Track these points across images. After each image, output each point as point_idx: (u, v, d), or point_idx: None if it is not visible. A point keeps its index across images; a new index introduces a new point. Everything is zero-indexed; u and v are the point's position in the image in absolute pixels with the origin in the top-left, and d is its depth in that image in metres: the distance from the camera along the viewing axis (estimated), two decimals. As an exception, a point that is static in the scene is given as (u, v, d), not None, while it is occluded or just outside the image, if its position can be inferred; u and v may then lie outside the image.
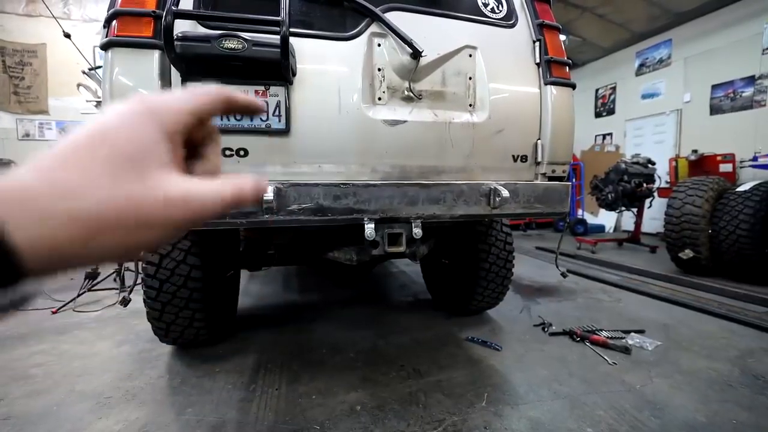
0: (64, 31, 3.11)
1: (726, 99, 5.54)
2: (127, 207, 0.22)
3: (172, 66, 1.24)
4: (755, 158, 4.60)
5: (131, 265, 3.49)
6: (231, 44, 1.19)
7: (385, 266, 4.16)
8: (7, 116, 5.59)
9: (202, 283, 1.82)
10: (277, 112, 1.35)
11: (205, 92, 0.28)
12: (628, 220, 6.49)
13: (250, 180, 0.27)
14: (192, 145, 0.29)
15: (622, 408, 1.54)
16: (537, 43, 1.72)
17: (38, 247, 0.20)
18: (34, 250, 0.20)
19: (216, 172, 0.30)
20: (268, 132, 1.36)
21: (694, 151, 5.27)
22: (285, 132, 1.37)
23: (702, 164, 5.07)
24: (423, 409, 1.54)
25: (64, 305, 2.81)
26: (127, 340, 2.24)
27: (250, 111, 0.32)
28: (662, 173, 5.31)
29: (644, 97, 6.94)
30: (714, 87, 5.69)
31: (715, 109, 5.71)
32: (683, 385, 1.71)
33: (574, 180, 6.66)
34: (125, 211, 0.22)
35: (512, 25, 1.73)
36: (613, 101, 7.65)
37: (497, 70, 1.66)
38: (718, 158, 5.03)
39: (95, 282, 3.19)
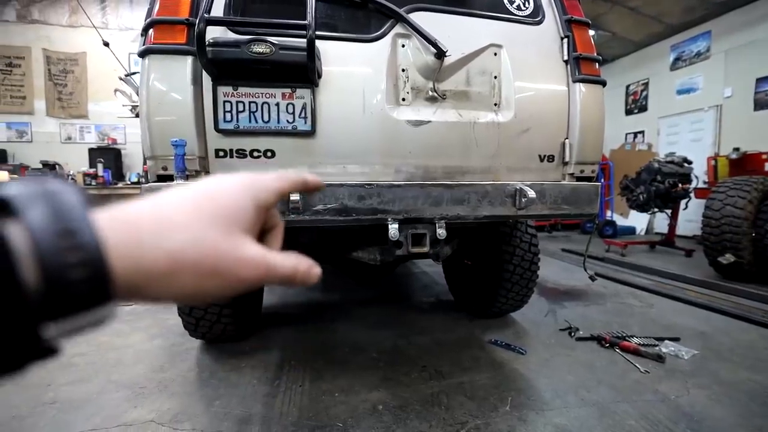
0: (103, 40, 3.28)
1: (772, 93, 5.20)
2: (209, 254, 0.25)
3: (203, 71, 1.29)
4: (805, 157, 4.29)
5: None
6: (259, 48, 1.22)
7: (408, 266, 4.15)
8: (51, 121, 5.96)
9: (229, 281, 1.88)
10: (303, 114, 1.38)
11: (289, 177, 0.33)
12: (661, 222, 6.20)
13: (308, 260, 0.31)
14: (262, 229, 0.33)
15: (655, 418, 1.48)
16: (565, 40, 1.67)
17: (129, 273, 0.22)
18: (125, 274, 0.22)
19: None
20: (295, 133, 1.39)
21: (736, 149, 4.97)
22: (311, 133, 1.40)
23: (744, 163, 4.77)
24: (445, 411, 1.53)
25: (102, 299, 2.96)
26: (160, 334, 2.34)
27: (317, 188, 0.37)
28: (699, 173, 5.04)
29: (680, 92, 6.61)
30: (759, 80, 5.35)
31: (760, 104, 5.37)
32: (723, 397, 1.62)
33: (602, 180, 6.43)
34: (206, 258, 0.25)
35: (539, 22, 1.69)
36: (646, 98, 7.33)
37: (523, 69, 1.62)
38: (764, 156, 4.72)
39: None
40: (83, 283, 0.20)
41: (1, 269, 0.18)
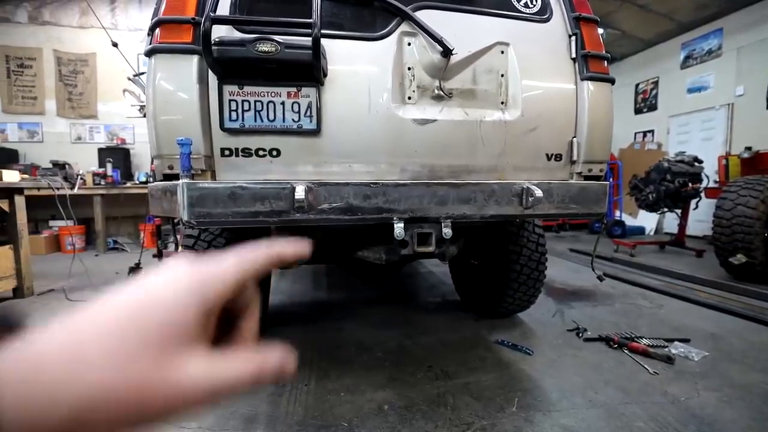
0: (112, 41, 3.31)
1: (785, 91, 5.09)
2: (131, 394, 0.20)
3: (209, 70, 1.30)
4: (819, 155, 4.20)
5: (170, 260, 3.67)
6: (265, 47, 1.22)
7: (414, 266, 4.14)
8: (62, 121, 6.04)
9: (235, 279, 1.88)
10: (308, 113, 1.38)
11: (254, 258, 0.26)
12: (671, 222, 6.12)
13: (277, 355, 0.25)
14: (230, 310, 0.27)
15: (664, 420, 1.46)
16: (573, 38, 1.65)
17: (23, 430, 0.19)
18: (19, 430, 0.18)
19: (249, 345, 0.28)
20: (300, 132, 1.39)
21: (748, 149, 4.87)
22: (316, 132, 1.39)
23: (757, 162, 4.68)
24: (451, 411, 1.52)
25: (110, 297, 3.00)
26: (167, 332, 2.35)
27: (299, 257, 0.29)
28: (710, 172, 4.97)
29: (690, 91, 6.51)
30: (771, 79, 5.25)
31: (772, 103, 5.26)
32: (734, 399, 1.59)
33: (611, 179, 6.36)
34: (127, 400, 0.20)
35: (547, 20, 1.67)
36: (655, 96, 7.23)
37: (531, 67, 1.61)
38: (776, 156, 4.62)
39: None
40: None
41: None
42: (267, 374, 0.24)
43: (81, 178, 5.29)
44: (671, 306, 2.84)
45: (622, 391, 1.66)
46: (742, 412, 1.50)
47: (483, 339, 2.23)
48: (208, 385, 0.22)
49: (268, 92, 1.35)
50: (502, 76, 1.59)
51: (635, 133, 7.62)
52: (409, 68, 1.50)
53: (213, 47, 1.21)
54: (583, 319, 2.51)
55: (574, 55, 1.65)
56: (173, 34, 1.30)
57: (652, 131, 7.32)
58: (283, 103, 1.36)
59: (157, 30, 1.30)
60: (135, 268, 3.40)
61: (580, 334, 2.24)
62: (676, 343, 2.10)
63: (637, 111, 7.62)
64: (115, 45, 3.29)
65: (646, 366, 1.86)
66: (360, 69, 1.45)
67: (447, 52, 1.45)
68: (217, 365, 0.23)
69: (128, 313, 0.22)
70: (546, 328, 2.40)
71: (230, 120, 1.34)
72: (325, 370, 1.86)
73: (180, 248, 1.99)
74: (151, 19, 1.34)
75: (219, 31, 1.28)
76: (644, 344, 2.04)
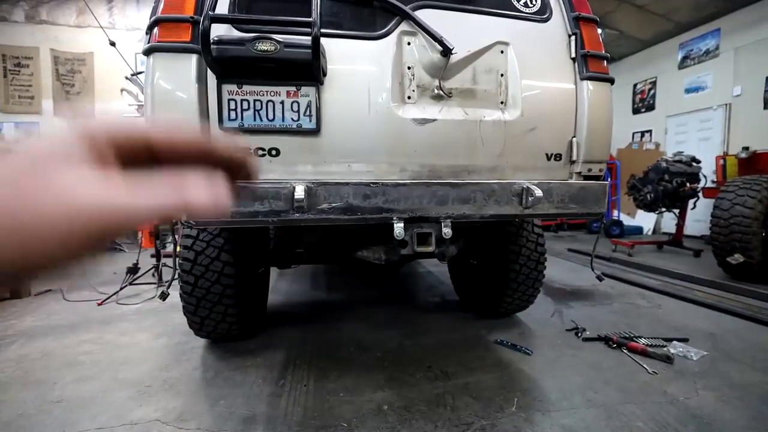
0: (110, 40, 3.30)
1: (782, 91, 5.12)
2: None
3: (208, 69, 1.29)
4: (816, 155, 4.22)
5: (169, 261, 3.66)
6: (264, 46, 1.21)
7: (413, 266, 4.14)
8: (59, 121, 6.01)
9: (234, 280, 1.88)
10: (308, 112, 1.37)
11: (173, 133, 0.24)
12: (668, 222, 6.14)
13: (206, 187, 0.22)
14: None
15: (663, 420, 1.46)
16: (573, 37, 1.65)
17: None
18: None
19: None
20: (300, 132, 1.38)
21: (745, 149, 4.89)
22: (316, 132, 1.39)
23: (754, 162, 4.70)
24: (451, 412, 1.52)
25: (108, 298, 2.98)
26: (165, 333, 2.35)
27: (240, 173, 0.26)
28: (708, 172, 4.98)
29: (688, 91, 6.53)
30: (768, 79, 5.27)
31: (769, 103, 5.29)
32: (733, 399, 1.59)
33: (609, 179, 6.38)
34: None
35: (546, 19, 1.67)
36: (653, 96, 7.25)
37: (530, 66, 1.61)
38: (773, 155, 4.64)
39: (136, 276, 3.37)
40: None
41: None
42: (189, 206, 0.22)
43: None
44: (669, 305, 2.84)
45: (622, 391, 1.66)
46: (741, 412, 1.50)
47: (482, 339, 2.23)
48: (101, 205, 0.20)
49: (267, 91, 1.34)
50: (502, 75, 1.59)
51: (633, 133, 7.65)
52: (408, 68, 1.49)
53: (212, 46, 1.20)
54: (581, 318, 2.51)
55: (573, 55, 1.65)
56: (172, 33, 1.29)
57: (649, 131, 7.35)
58: (282, 103, 1.36)
59: (156, 29, 1.29)
60: (133, 269, 3.38)
61: (579, 334, 2.24)
62: (674, 342, 2.10)
63: (635, 111, 7.64)
64: (112, 44, 3.28)
65: (645, 366, 1.86)
66: (359, 68, 1.45)
67: (447, 52, 1.45)
68: (120, 190, 0.20)
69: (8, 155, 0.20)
70: (545, 327, 2.40)
71: (229, 119, 1.33)
72: (325, 370, 1.86)
73: (179, 249, 1.98)
74: (150, 18, 1.33)
75: (218, 30, 1.27)
76: (643, 344, 2.05)
